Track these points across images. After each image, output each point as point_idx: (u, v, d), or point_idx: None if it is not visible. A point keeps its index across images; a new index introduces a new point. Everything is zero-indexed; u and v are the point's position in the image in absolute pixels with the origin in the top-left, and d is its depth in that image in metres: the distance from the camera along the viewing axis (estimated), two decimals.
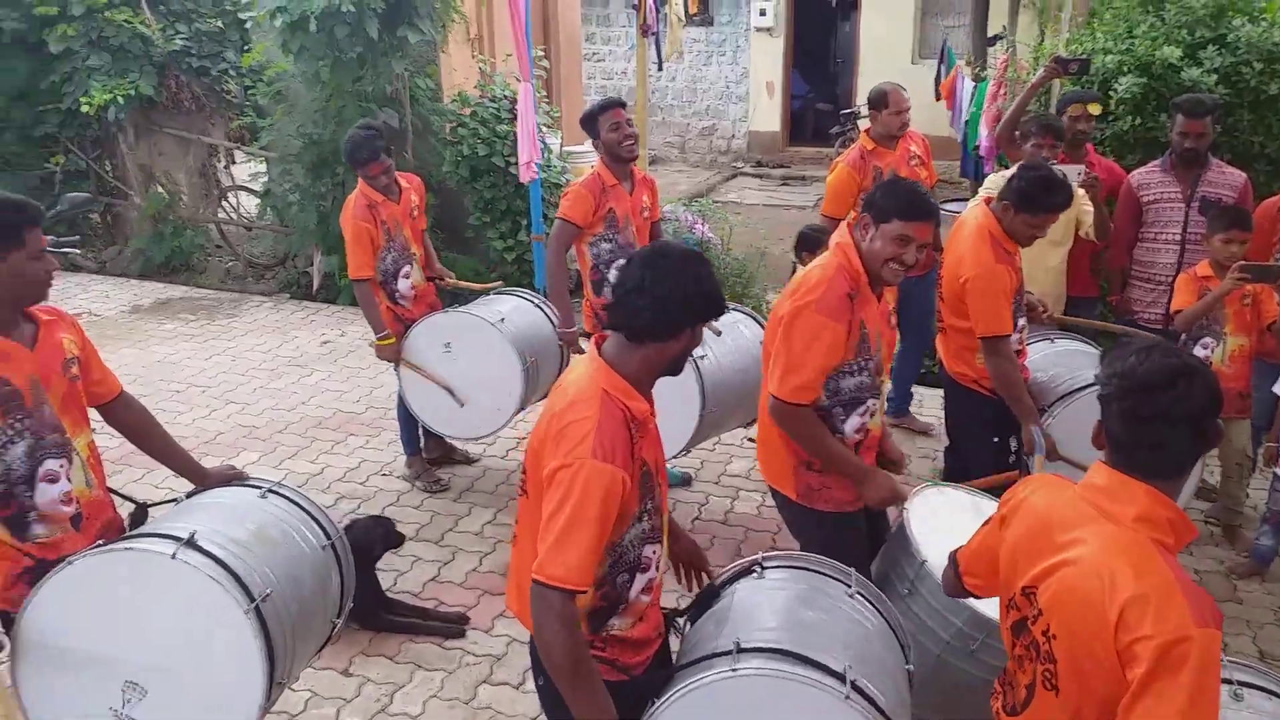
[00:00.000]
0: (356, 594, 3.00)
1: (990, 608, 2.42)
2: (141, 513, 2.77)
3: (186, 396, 6.21)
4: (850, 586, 2.35)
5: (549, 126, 7.73)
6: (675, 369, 2.17)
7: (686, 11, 8.37)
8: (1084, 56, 5.20)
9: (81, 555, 2.38)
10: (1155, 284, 4.58)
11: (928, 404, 5.83)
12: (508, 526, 4.64)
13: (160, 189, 8.99)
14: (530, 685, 3.49)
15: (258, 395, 6.23)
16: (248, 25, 8.42)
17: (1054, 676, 1.75)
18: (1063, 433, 3.45)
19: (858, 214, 2.85)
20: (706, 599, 2.39)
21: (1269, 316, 4.11)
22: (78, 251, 8.59)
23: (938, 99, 9.57)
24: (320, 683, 3.57)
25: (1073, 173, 3.99)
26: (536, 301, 4.92)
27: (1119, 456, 1.73)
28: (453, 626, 3.87)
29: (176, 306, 8.15)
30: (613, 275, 4.44)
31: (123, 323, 7.69)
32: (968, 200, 5.95)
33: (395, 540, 3.97)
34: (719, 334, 4.13)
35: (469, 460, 5.30)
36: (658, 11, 7.36)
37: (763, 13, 14.01)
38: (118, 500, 2.77)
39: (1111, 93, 5.45)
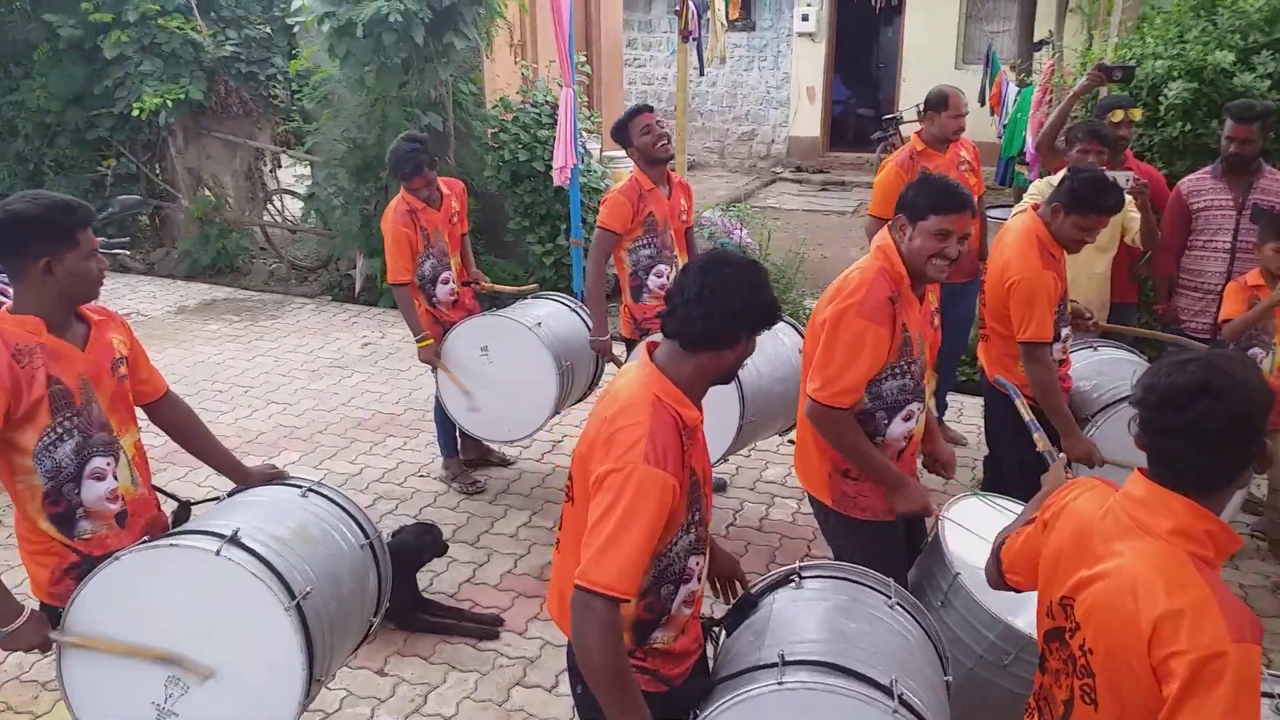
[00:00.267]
0: (393, 594, 3.02)
1: (1024, 623, 2.40)
2: (185, 511, 2.81)
3: (229, 396, 6.31)
4: (890, 597, 2.32)
5: (590, 132, 7.77)
6: (727, 378, 2.15)
7: (728, 17, 8.35)
8: (1128, 64, 5.12)
9: (127, 551, 2.41)
10: (1203, 293, 4.49)
11: (968, 411, 5.77)
12: (543, 529, 4.66)
13: (207, 192, 9.16)
14: (563, 689, 3.51)
15: (299, 396, 6.31)
16: (295, 31, 8.55)
17: (1093, 691, 1.72)
18: (1108, 443, 3.40)
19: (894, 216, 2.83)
20: (744, 609, 2.36)
21: None
22: (127, 253, 8.78)
23: (982, 104, 9.47)
24: (356, 682, 3.61)
25: (1121, 178, 3.93)
26: (573, 306, 4.94)
27: (1155, 468, 1.70)
28: (487, 628, 3.89)
29: (221, 308, 8.29)
30: (651, 281, 4.45)
31: (169, 323, 7.84)
32: (1011, 207, 5.88)
33: (442, 549, 4.02)
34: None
35: (505, 463, 5.33)
36: (700, 17, 7.37)
37: (805, 18, 13.97)
38: (161, 498, 2.82)
39: (1161, 98, 5.35)
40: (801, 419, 2.93)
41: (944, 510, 2.77)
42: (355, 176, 7.64)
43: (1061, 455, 2.82)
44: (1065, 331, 3.63)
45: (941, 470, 3.08)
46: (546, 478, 5.21)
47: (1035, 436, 2.89)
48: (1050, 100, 7.01)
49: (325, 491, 2.85)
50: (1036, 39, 8.94)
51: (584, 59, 8.12)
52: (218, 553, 2.36)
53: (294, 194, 9.37)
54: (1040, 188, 4.49)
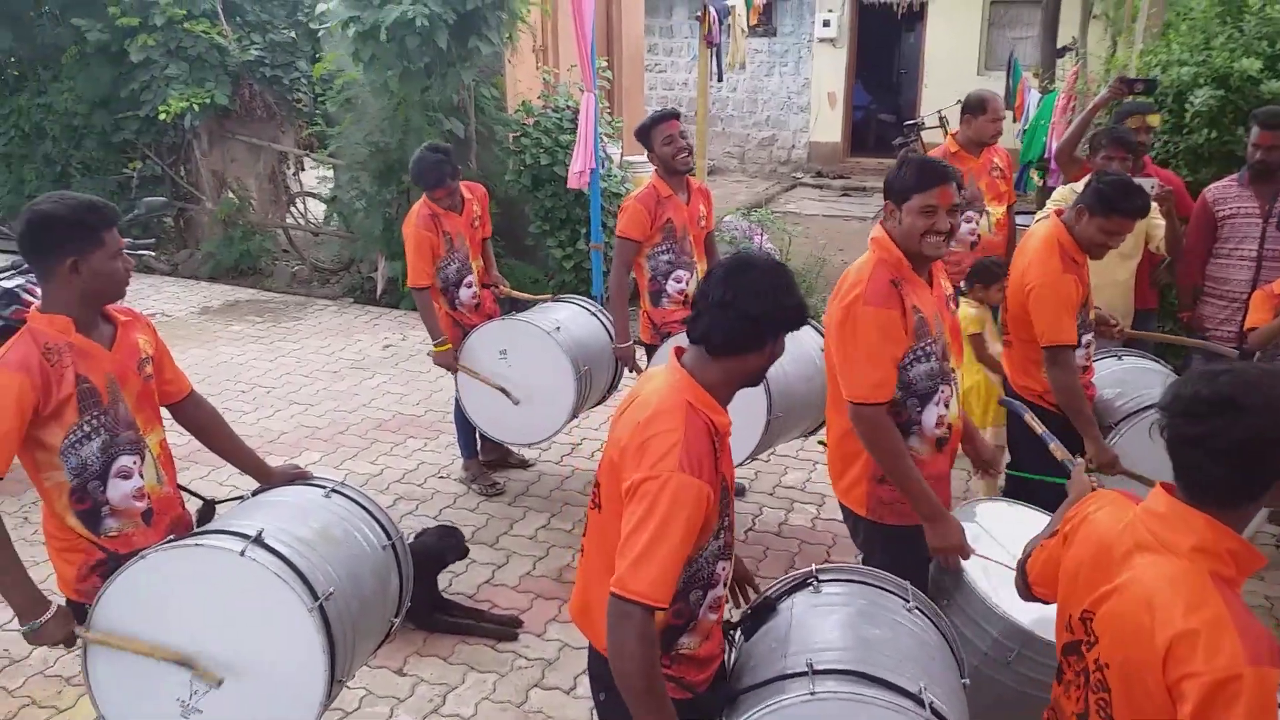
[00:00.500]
0: (414, 595, 3.03)
1: (1025, 618, 2.40)
2: (209, 509, 2.84)
3: (251, 397, 6.36)
4: (908, 601, 2.32)
5: (610, 136, 7.78)
6: (755, 380, 2.14)
7: (748, 23, 8.36)
8: (1150, 77, 5.09)
9: (153, 550, 2.44)
10: (1229, 301, 4.45)
11: None
12: (561, 531, 4.67)
13: (231, 194, 9.25)
14: (581, 691, 3.51)
15: (320, 397, 6.36)
16: (319, 35, 8.63)
17: (1108, 706, 1.71)
18: (1130, 452, 3.37)
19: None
20: (762, 613, 2.35)
21: None
22: (153, 254, 8.86)
23: (1007, 109, 9.43)
24: (375, 681, 3.62)
25: (1147, 184, 3.91)
26: (593, 310, 4.95)
27: (1179, 480, 1.68)
28: (506, 629, 3.90)
29: (244, 309, 8.36)
30: (670, 286, 4.45)
31: (192, 324, 7.92)
32: (1034, 213, 5.84)
33: (464, 552, 4.04)
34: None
35: (524, 465, 5.35)
36: (721, 23, 7.38)
37: (826, 24, 13.96)
38: (186, 497, 2.85)
39: (1187, 105, 5.31)
40: (833, 428, 2.92)
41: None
42: (377, 180, 7.69)
43: (1080, 461, 2.80)
44: (1088, 338, 3.60)
45: (987, 469, 3.04)
46: (566, 480, 5.22)
47: (1051, 447, 2.87)
48: (1074, 107, 6.97)
49: (348, 492, 2.87)
50: (1060, 45, 8.88)
51: (605, 64, 8.15)
52: (242, 553, 2.38)
53: (317, 197, 9.44)
54: (1064, 194, 4.47)
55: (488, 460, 5.21)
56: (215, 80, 8.61)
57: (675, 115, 4.41)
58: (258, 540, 2.43)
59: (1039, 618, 2.33)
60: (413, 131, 7.20)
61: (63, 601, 2.56)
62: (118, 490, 2.53)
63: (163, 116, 8.46)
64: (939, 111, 11.96)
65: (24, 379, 2.33)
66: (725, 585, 2.20)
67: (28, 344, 2.38)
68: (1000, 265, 4.39)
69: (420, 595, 3.54)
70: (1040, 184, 7.36)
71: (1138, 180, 3.53)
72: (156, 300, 8.51)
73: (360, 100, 7.77)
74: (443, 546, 3.93)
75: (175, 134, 9.01)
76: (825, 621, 2.24)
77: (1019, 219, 5.48)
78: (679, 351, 2.14)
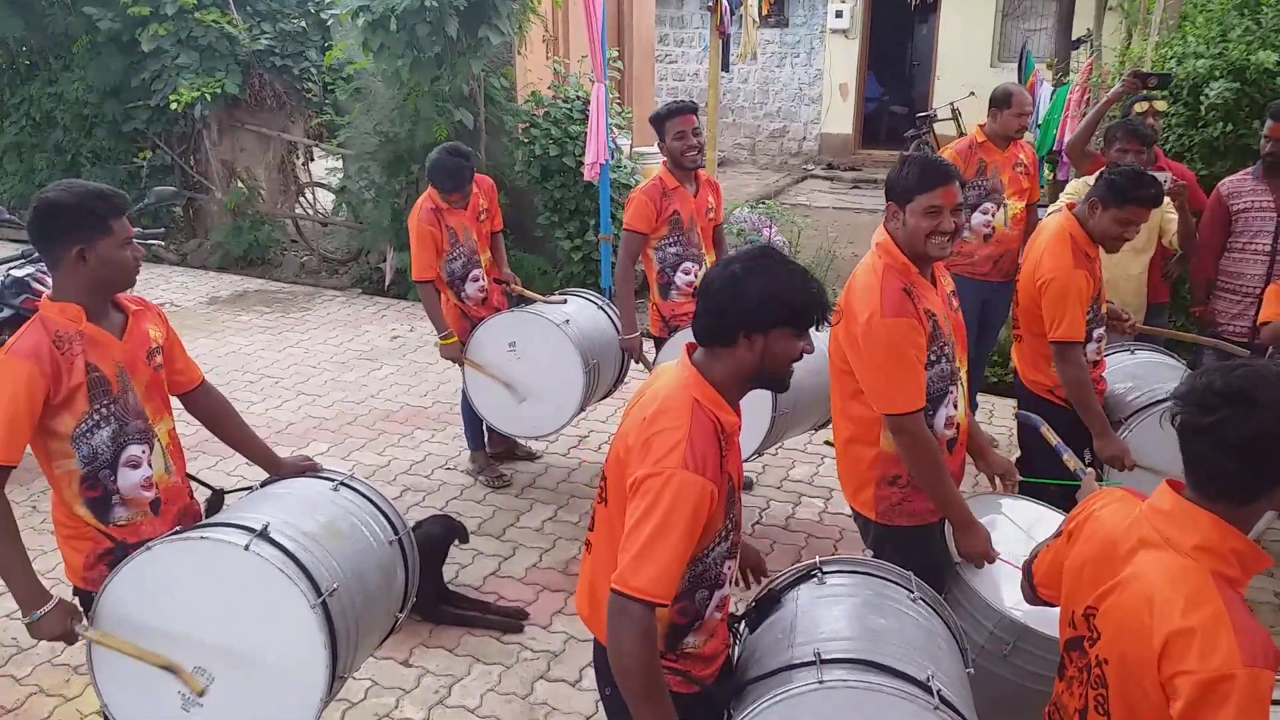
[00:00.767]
0: (419, 587, 3.03)
1: (1019, 612, 2.41)
2: (218, 499, 2.84)
3: (259, 387, 6.37)
4: (912, 591, 2.31)
5: (620, 128, 7.76)
6: (770, 381, 2.11)
7: (760, 14, 8.31)
8: (1164, 71, 5.04)
9: (160, 541, 2.44)
10: (1242, 295, 4.41)
11: (999, 413, 5.71)
12: (568, 524, 4.67)
13: (240, 184, 9.26)
14: (586, 683, 3.51)
15: (328, 387, 6.36)
16: (329, 24, 8.62)
17: (1106, 702, 1.71)
18: (1141, 446, 3.35)
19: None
20: (766, 605, 2.35)
21: None
22: (162, 243, 8.91)
23: None
24: (381, 672, 3.63)
25: (1160, 178, 3.87)
26: (601, 303, 4.94)
27: (1188, 472, 1.66)
28: (512, 621, 3.91)
29: (252, 299, 8.38)
30: (679, 278, 4.44)
31: (201, 313, 7.93)
32: (1046, 206, 5.80)
33: (464, 536, 4.05)
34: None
35: (531, 456, 5.34)
36: (732, 13, 7.34)
37: (838, 14, 13.88)
38: (195, 486, 2.85)
39: (1203, 98, 5.27)
40: (841, 432, 2.90)
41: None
42: (386, 170, 7.69)
43: (1090, 470, 2.79)
44: (1099, 333, 3.57)
45: (1004, 481, 2.98)
46: (572, 472, 5.21)
47: (1065, 458, 2.85)
48: (1088, 100, 6.91)
49: (357, 486, 2.86)
50: (1074, 37, 8.80)
51: (616, 54, 8.12)
52: (247, 547, 2.38)
53: (326, 187, 9.45)
54: (1076, 188, 4.44)
55: (495, 452, 5.21)
56: (225, 70, 8.61)
57: (693, 109, 4.36)
58: (263, 534, 2.43)
59: (1034, 611, 2.32)
60: (422, 122, 7.18)
61: (70, 590, 2.56)
62: (127, 479, 2.53)
63: (173, 106, 8.46)
64: (951, 103, 11.87)
65: (34, 367, 2.33)
66: (731, 584, 2.19)
67: (38, 332, 2.39)
68: None
69: (426, 587, 3.54)
70: (1051, 177, 7.30)
71: (1150, 172, 3.50)
72: (165, 290, 8.53)
73: (370, 90, 7.76)
74: (443, 531, 3.93)
75: (185, 123, 9.02)
76: (831, 612, 2.23)
77: (1042, 212, 5.44)
78: (690, 348, 2.12)
